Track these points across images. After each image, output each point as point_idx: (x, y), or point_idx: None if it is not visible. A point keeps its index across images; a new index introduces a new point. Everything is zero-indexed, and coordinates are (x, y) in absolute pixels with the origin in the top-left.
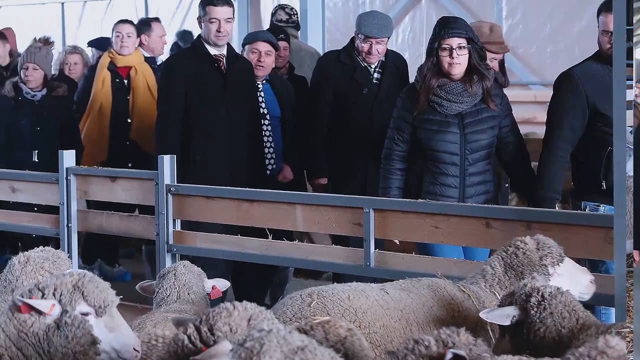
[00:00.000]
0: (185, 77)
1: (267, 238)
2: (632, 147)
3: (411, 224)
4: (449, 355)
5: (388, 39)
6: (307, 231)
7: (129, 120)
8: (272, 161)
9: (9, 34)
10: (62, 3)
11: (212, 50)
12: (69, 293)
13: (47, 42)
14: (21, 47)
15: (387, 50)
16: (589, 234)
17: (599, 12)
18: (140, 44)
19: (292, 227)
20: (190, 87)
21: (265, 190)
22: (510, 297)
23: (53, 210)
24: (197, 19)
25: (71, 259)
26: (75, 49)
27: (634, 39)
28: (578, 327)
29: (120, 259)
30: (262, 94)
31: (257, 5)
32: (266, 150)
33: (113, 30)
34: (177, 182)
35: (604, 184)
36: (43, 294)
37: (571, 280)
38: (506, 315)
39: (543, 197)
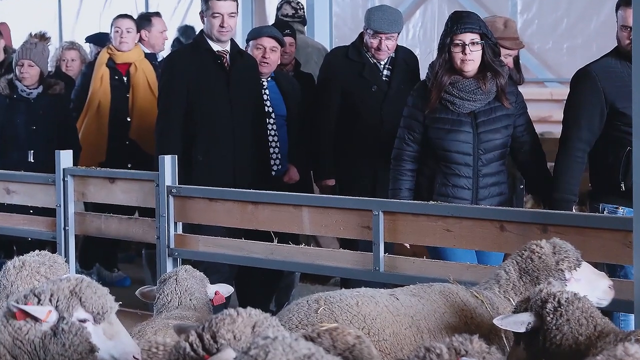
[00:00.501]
0: (187, 74)
1: (272, 242)
2: None
3: (422, 227)
4: None
5: (398, 34)
6: (314, 234)
7: (129, 119)
8: (277, 161)
9: (3, 29)
10: None
11: (215, 46)
12: (66, 299)
13: (43, 37)
14: (16, 43)
15: (397, 46)
16: (607, 238)
17: (618, 7)
18: (140, 40)
19: (299, 230)
20: (192, 85)
21: (271, 192)
22: (525, 303)
23: (49, 212)
24: (200, 13)
25: (68, 264)
26: (72, 45)
27: None
28: (596, 334)
29: (119, 263)
30: (267, 91)
31: None
32: (271, 150)
33: (112, 25)
34: (178, 184)
35: (622, 185)
36: (39, 300)
37: (589, 286)
38: (521, 322)
39: (559, 199)
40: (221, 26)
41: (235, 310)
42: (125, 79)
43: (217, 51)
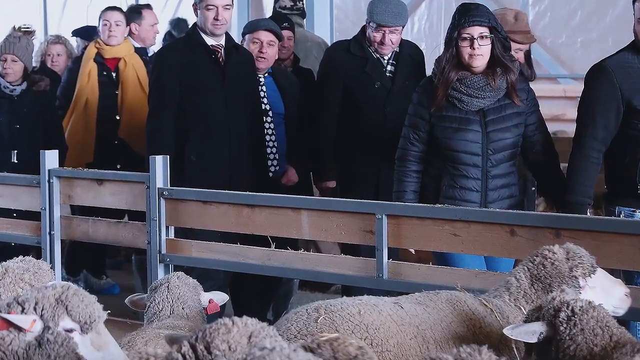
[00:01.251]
0: (180, 70)
1: (270, 247)
2: None
3: (428, 232)
4: None
5: (402, 27)
6: (314, 239)
7: (118, 117)
8: (275, 162)
9: None
10: None
11: (209, 40)
12: (51, 307)
13: (27, 31)
14: None
15: (402, 40)
16: (624, 243)
17: None
18: (130, 34)
19: (297, 234)
20: (185, 81)
21: (268, 194)
22: (537, 311)
23: (34, 216)
24: (193, 5)
25: (54, 270)
26: (58, 39)
27: None
28: (612, 344)
29: (107, 269)
30: (264, 88)
31: None
32: (268, 150)
33: (100, 18)
34: (170, 185)
35: None
36: (23, 309)
37: (604, 293)
38: (532, 332)
39: (573, 201)
40: (215, 19)
41: (230, 319)
42: (114, 74)
43: (211, 45)
